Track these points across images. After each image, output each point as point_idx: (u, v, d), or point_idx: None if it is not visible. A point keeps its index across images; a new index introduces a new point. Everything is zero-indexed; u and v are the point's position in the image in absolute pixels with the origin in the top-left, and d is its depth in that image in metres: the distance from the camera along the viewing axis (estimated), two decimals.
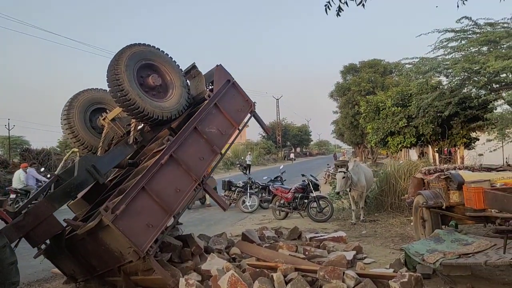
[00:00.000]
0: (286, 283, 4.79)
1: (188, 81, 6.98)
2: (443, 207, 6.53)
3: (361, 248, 6.98)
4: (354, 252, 6.55)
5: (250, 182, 14.06)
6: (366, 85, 31.85)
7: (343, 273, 4.85)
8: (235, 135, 6.96)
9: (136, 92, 5.73)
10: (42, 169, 19.11)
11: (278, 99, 67.30)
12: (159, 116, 6.03)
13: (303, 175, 11.87)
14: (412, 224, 8.08)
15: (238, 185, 14.25)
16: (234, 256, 6.37)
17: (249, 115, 7.22)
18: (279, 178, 15.21)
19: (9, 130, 38.77)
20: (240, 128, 6.94)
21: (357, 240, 7.96)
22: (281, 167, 16.33)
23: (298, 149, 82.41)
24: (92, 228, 4.99)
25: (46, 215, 5.23)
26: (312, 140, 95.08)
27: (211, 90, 6.83)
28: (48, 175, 18.24)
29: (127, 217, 4.97)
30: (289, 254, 6.27)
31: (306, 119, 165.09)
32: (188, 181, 5.84)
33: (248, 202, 13.43)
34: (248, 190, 13.63)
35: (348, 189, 10.02)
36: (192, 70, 7.07)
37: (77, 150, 6.76)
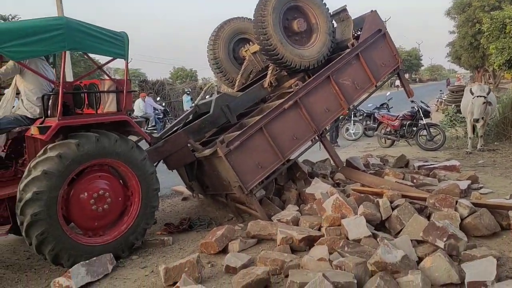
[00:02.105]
0: (392, 209, 4.72)
1: (335, 23, 6.61)
2: None
3: (477, 178, 6.51)
4: (469, 181, 6.14)
5: (353, 109, 13.69)
6: None
7: (456, 201, 4.59)
8: (370, 92, 6.54)
9: (278, 37, 5.66)
10: (158, 98, 20.74)
11: (386, 21, 62.61)
12: (297, 65, 5.93)
13: (412, 102, 11.17)
14: None
15: None
16: (338, 181, 6.40)
17: (393, 72, 6.72)
18: (385, 105, 14.57)
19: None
20: (377, 85, 6.54)
21: (473, 169, 7.41)
22: (387, 94, 15.55)
23: (407, 75, 76.94)
24: (207, 154, 5.32)
25: (182, 145, 5.67)
26: (422, 65, 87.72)
27: (357, 38, 6.42)
28: (163, 104, 19.81)
29: (239, 153, 5.15)
30: (396, 181, 6.10)
31: (417, 42, 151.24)
32: (307, 130, 5.77)
33: (352, 130, 13.19)
34: (352, 118, 13.31)
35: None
36: (342, 13, 6.66)
37: (216, 84, 7.11)
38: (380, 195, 5.17)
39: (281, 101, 5.67)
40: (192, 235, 5.42)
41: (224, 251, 4.61)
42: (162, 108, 18.23)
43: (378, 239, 4.14)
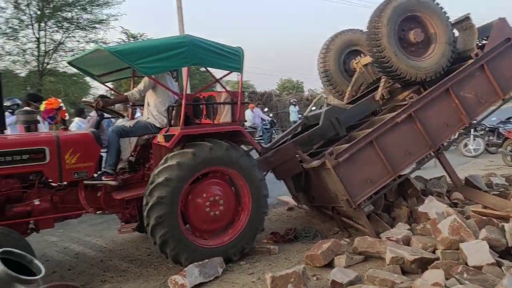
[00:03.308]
0: None
1: (456, 31, 6.29)
2: None
3: None
4: None
5: (476, 124, 12.55)
6: None
7: None
8: (497, 106, 6.03)
9: (393, 49, 5.54)
10: (266, 109, 21.35)
11: None
12: (413, 77, 5.72)
13: None
14: None
15: None
16: (455, 201, 5.93)
17: None
18: None
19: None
20: (505, 98, 5.99)
21: None
22: None
23: None
24: (315, 166, 5.32)
25: (291, 156, 5.76)
26: None
27: (482, 47, 6.03)
28: (271, 114, 20.35)
29: (348, 166, 5.06)
30: None
31: None
32: (421, 146, 5.47)
33: (472, 146, 12.11)
34: (472, 132, 12.22)
35: None
36: (464, 21, 6.25)
37: (325, 96, 7.16)
38: (506, 219, 4.69)
39: (393, 114, 5.46)
40: (297, 246, 5.46)
41: (330, 265, 4.56)
42: (269, 119, 18.72)
43: (503, 268, 3.75)
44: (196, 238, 4.79)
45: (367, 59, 6.42)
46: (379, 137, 5.24)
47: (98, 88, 25.07)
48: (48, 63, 21.09)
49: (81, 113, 7.68)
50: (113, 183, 4.71)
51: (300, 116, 20.36)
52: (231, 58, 4.85)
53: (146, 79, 4.92)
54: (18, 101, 8.17)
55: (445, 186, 6.38)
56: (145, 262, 5.23)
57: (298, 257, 5.02)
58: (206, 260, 4.50)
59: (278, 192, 7.89)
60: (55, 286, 1.75)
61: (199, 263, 4.41)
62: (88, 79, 23.76)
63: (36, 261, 2.03)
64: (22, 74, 21.80)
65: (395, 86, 6.28)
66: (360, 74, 6.69)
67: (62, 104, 5.19)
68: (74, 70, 22.47)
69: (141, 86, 4.95)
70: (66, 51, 21.36)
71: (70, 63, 5.37)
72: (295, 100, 22.61)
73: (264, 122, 17.96)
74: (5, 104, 9.53)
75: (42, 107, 5.09)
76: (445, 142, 5.93)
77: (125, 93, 5.01)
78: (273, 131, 18.27)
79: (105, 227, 6.81)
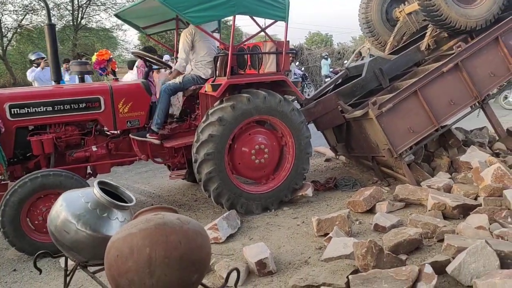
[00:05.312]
0: None
1: None
2: None
3: None
4: None
5: None
6: None
7: None
8: None
9: None
10: (297, 63, 21.08)
11: None
12: (462, 26, 5.56)
13: None
14: None
15: None
16: (497, 151, 5.91)
17: None
18: None
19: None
20: None
21: None
22: None
23: None
24: (357, 116, 5.39)
25: (332, 108, 5.83)
26: None
27: None
28: (303, 68, 20.12)
29: (391, 116, 5.10)
30: None
31: None
32: (466, 96, 5.41)
33: (511, 98, 11.77)
34: None
35: None
36: None
37: (368, 46, 7.04)
38: None
39: (439, 63, 5.38)
40: (338, 193, 5.62)
41: (371, 211, 4.73)
42: (301, 73, 18.53)
43: None
44: (247, 185, 5.05)
45: (411, 7, 6.24)
46: (423, 87, 5.21)
47: (129, 43, 25.25)
48: (82, 17, 21.29)
49: (132, 66, 7.94)
50: (156, 142, 4.88)
51: (331, 70, 20.04)
52: (276, 7, 4.82)
53: (183, 39, 4.99)
54: (43, 55, 8.41)
55: (486, 136, 6.33)
56: (193, 207, 5.53)
57: (339, 204, 5.20)
58: (228, 213, 4.61)
59: (314, 144, 7.98)
60: (155, 208, 1.97)
61: (224, 216, 4.47)
62: (118, 34, 23.96)
63: (128, 192, 2.26)
64: (57, 29, 22.14)
65: (441, 35, 6.13)
66: (403, 23, 6.52)
67: (112, 56, 5.35)
68: (106, 25, 22.43)
69: (182, 51, 5.00)
70: (98, 5, 21.48)
71: (116, 15, 5.48)
72: (327, 53, 22.16)
73: (295, 76, 17.81)
74: (30, 58, 9.82)
75: (94, 58, 5.27)
76: (491, 92, 5.80)
77: (175, 67, 5.11)
78: (304, 85, 18.14)
79: (150, 175, 7.16)
